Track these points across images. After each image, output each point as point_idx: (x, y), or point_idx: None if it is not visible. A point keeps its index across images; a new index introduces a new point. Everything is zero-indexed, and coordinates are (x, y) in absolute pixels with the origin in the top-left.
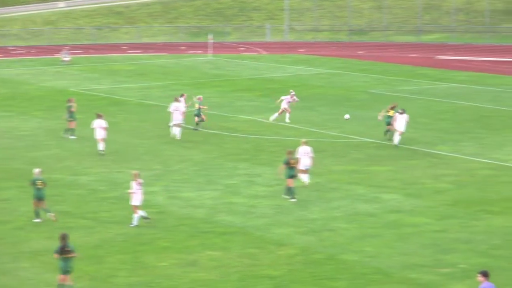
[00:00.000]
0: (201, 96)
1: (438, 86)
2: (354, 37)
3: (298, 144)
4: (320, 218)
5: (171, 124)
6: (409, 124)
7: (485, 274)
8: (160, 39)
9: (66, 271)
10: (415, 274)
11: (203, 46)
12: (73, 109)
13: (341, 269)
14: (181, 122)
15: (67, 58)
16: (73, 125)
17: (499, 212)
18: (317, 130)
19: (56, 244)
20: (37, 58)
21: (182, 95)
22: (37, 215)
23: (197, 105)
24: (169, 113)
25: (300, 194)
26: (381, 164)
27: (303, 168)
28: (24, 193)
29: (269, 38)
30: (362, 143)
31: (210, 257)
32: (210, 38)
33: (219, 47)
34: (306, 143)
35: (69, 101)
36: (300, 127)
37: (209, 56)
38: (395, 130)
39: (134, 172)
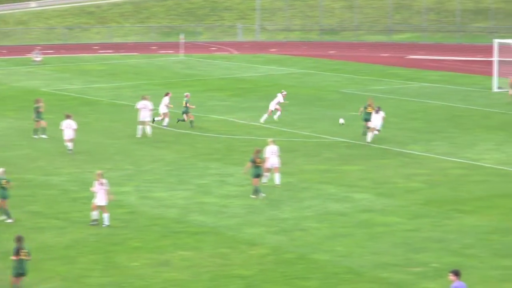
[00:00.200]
0: (188, 93)
1: (410, 85)
2: (325, 36)
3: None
4: (291, 218)
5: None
6: (385, 121)
7: (456, 273)
8: (132, 39)
9: (19, 274)
10: (386, 273)
11: (175, 46)
12: (41, 110)
13: (312, 269)
14: (149, 120)
15: (38, 58)
16: (40, 124)
17: (471, 211)
18: (289, 130)
19: (20, 245)
20: (8, 58)
21: (167, 94)
22: (6, 215)
23: (184, 103)
24: (137, 111)
25: (271, 194)
26: (352, 163)
27: (270, 167)
28: None
29: (240, 38)
30: (333, 143)
31: (182, 257)
32: (181, 38)
33: (190, 47)
34: (273, 142)
35: (37, 101)
36: (272, 127)
37: (181, 56)
38: (371, 127)
39: (97, 171)
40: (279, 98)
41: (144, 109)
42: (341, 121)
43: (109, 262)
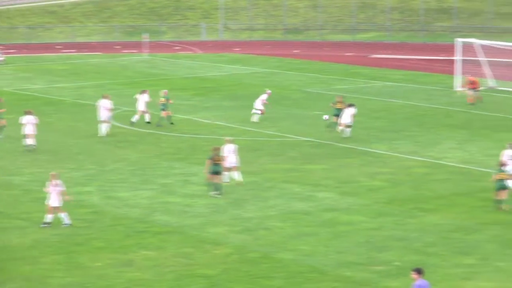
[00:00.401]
0: (166, 90)
1: (373, 84)
2: (289, 36)
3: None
4: (255, 217)
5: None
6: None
7: (419, 272)
8: (95, 39)
9: None
10: (350, 272)
11: (138, 45)
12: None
13: (276, 268)
14: (108, 118)
15: (1, 57)
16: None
17: (433, 210)
18: (253, 129)
19: None
20: None
21: (144, 91)
22: None
23: (162, 100)
24: (98, 109)
25: (235, 193)
26: (316, 162)
27: (229, 166)
28: None
29: (204, 37)
30: (297, 142)
31: (145, 256)
32: (145, 37)
33: (154, 46)
34: (230, 141)
35: None
36: (236, 126)
37: (145, 55)
38: (340, 123)
39: (52, 172)
40: (263, 96)
41: (104, 108)
42: (325, 117)
43: (72, 262)
